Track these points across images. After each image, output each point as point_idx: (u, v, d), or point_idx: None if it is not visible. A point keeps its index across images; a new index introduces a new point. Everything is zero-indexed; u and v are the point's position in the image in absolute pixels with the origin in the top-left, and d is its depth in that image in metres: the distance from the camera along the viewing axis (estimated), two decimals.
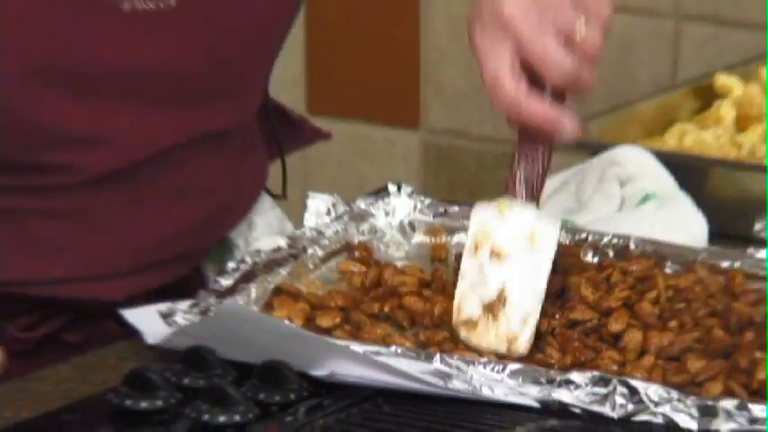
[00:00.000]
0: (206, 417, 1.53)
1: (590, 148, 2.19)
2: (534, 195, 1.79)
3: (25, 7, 1.84)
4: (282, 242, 1.88)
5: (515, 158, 1.79)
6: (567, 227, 1.89)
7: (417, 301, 1.78)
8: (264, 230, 2.10)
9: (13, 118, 1.87)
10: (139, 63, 1.91)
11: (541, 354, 1.69)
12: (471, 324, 1.73)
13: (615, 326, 1.70)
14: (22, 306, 1.93)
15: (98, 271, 1.93)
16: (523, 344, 1.69)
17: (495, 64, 1.78)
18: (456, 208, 1.97)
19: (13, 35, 1.84)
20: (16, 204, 1.92)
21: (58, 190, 1.92)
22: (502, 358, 1.67)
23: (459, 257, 1.83)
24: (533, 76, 1.77)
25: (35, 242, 1.94)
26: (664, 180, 2.05)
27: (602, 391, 1.53)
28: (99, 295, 1.92)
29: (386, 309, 1.78)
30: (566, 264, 1.80)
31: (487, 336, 1.72)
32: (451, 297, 1.76)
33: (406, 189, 1.98)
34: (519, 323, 1.72)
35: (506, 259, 1.74)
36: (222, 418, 1.53)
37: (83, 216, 1.94)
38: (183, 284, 1.92)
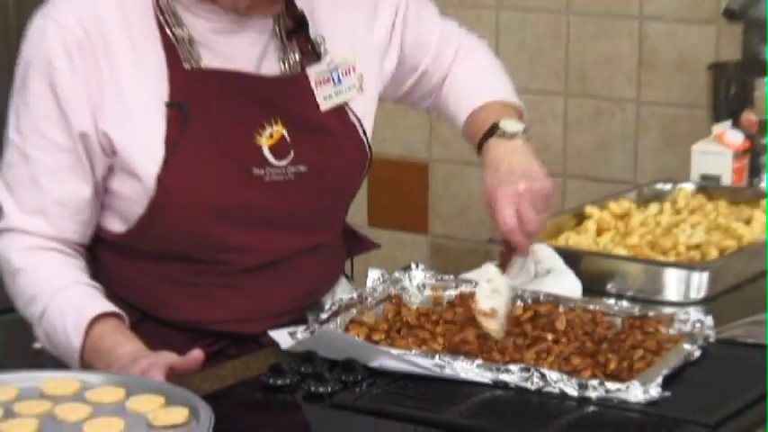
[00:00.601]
0: (312, 388, 1.83)
1: None
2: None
3: (214, 179, 2.03)
4: (354, 295, 2.13)
5: (504, 252, 2.16)
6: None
7: (422, 326, 2.02)
8: (343, 291, 2.23)
9: (202, 236, 2.06)
10: (271, 209, 2.08)
11: (492, 354, 1.93)
12: (485, 315, 1.98)
13: (532, 338, 1.98)
14: (205, 333, 2.11)
15: (247, 317, 2.11)
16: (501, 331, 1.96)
17: (508, 212, 2.09)
18: (449, 276, 2.21)
19: (207, 194, 2.03)
20: (203, 280, 2.10)
21: (225, 273, 2.10)
22: (481, 348, 1.93)
23: (453, 300, 2.13)
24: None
25: (214, 300, 2.11)
26: (558, 262, 2.25)
27: (525, 375, 1.83)
28: (248, 330, 2.10)
29: (402, 330, 2.02)
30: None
31: (493, 323, 1.97)
32: (444, 325, 2.03)
33: (421, 267, 2.20)
34: (500, 321, 1.98)
35: (499, 291, 2.00)
36: (321, 389, 1.82)
37: (239, 287, 2.10)
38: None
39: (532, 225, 2.09)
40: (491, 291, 1.99)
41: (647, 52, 3.23)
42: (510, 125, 2.19)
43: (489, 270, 2.04)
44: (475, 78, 2.33)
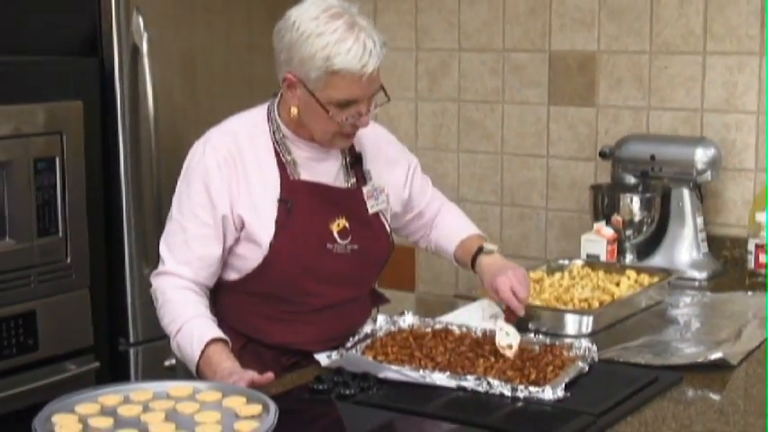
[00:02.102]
0: (341, 391, 1.81)
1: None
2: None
3: (304, 248, 2.01)
4: (368, 330, 2.09)
5: (506, 313, 2.14)
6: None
7: (414, 350, 1.97)
8: (368, 327, 2.13)
9: (292, 284, 2.03)
10: (336, 270, 2.04)
11: (457, 368, 1.88)
12: (504, 348, 1.94)
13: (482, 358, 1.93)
14: (287, 351, 2.06)
15: (315, 341, 2.04)
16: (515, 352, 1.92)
17: (505, 291, 2.11)
18: (429, 319, 2.14)
19: (298, 257, 2.01)
20: (287, 317, 2.06)
21: (303, 312, 2.06)
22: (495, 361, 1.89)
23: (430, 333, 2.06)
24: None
25: (294, 330, 2.06)
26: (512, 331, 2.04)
27: (478, 382, 1.81)
28: (315, 349, 2.01)
29: (396, 350, 1.97)
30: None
31: (510, 352, 1.93)
32: (424, 349, 1.97)
33: (410, 313, 2.16)
34: (514, 350, 1.94)
35: (509, 334, 1.97)
36: (347, 392, 1.80)
37: (311, 322, 2.06)
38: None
39: (522, 295, 2.12)
40: (505, 334, 1.96)
41: (552, 178, 3.19)
42: (490, 246, 2.22)
43: (499, 322, 2.04)
44: (458, 222, 2.33)
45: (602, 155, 2.93)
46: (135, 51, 2.73)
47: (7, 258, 2.49)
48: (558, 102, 3.11)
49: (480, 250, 2.21)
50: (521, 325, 2.12)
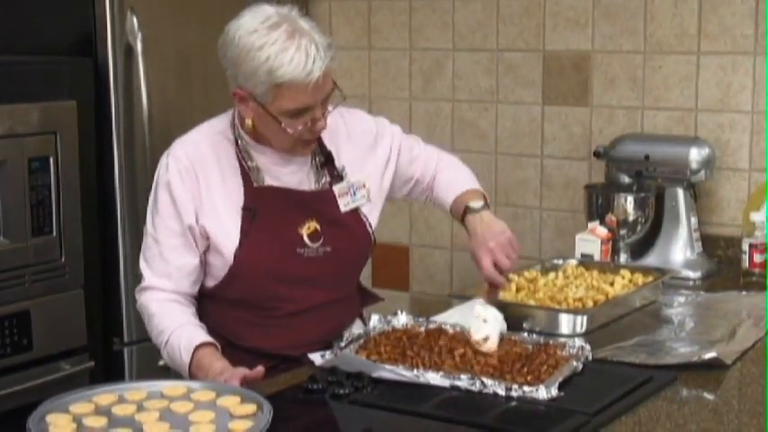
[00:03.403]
0: (336, 391, 1.79)
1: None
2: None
3: (271, 255, 1.99)
4: (361, 330, 2.08)
5: (488, 289, 2.12)
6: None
7: (406, 348, 1.94)
8: (357, 328, 2.14)
9: (262, 291, 2.02)
10: (307, 274, 2.04)
11: (447, 368, 1.86)
12: (480, 342, 1.90)
13: (477, 358, 1.90)
14: (264, 355, 2.02)
15: (292, 345, 2.03)
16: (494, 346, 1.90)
17: (486, 263, 2.09)
18: (422, 319, 2.11)
19: (265, 265, 1.99)
20: (263, 321, 2.05)
21: (278, 317, 2.05)
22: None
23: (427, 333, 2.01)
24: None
25: (271, 334, 2.05)
26: (493, 311, 2.02)
27: (471, 381, 1.79)
28: (292, 354, 2.01)
29: (389, 350, 1.94)
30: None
31: (486, 345, 1.90)
32: (417, 347, 1.92)
33: (404, 312, 2.13)
34: (493, 341, 1.91)
35: (488, 321, 1.94)
36: (341, 391, 1.78)
37: (287, 326, 2.05)
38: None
39: (504, 264, 2.08)
40: (481, 322, 1.91)
41: (546, 177, 3.18)
42: (475, 204, 2.17)
43: (476, 308, 1.95)
44: (452, 178, 2.28)
45: (597, 154, 2.92)
46: (129, 51, 2.74)
47: (1, 258, 2.50)
48: (553, 101, 3.11)
49: (466, 211, 2.17)
50: (515, 325, 2.10)
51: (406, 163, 2.23)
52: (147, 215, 2.04)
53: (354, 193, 2.08)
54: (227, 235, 1.98)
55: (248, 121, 1.96)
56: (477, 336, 1.90)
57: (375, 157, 2.16)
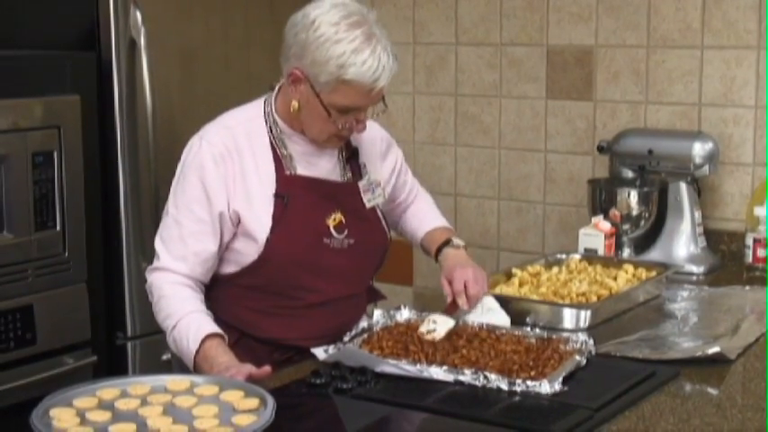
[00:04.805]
0: (339, 385, 1.80)
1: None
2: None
3: (300, 243, 2.02)
4: (365, 325, 2.08)
5: (449, 306, 2.11)
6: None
7: (408, 344, 1.96)
8: (363, 323, 2.11)
9: (287, 278, 2.03)
10: (332, 264, 2.05)
11: (452, 361, 1.87)
12: (424, 334, 1.96)
13: (477, 354, 1.92)
14: (279, 346, 2.06)
15: (308, 337, 2.03)
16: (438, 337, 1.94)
17: (458, 282, 2.11)
18: (425, 313, 2.10)
19: (295, 252, 2.01)
20: (280, 311, 2.06)
21: (296, 307, 2.06)
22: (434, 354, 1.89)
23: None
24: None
25: (287, 325, 2.06)
26: (496, 304, 2.16)
27: (475, 376, 1.80)
28: (309, 345, 2.00)
29: (392, 345, 1.96)
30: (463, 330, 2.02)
31: (429, 336, 1.95)
32: (422, 343, 1.96)
33: (407, 307, 2.16)
34: (438, 335, 1.95)
35: (437, 323, 1.99)
36: (344, 386, 1.79)
37: (304, 317, 2.06)
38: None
39: (473, 291, 2.12)
40: (431, 323, 1.99)
41: (550, 172, 3.18)
42: (458, 241, 2.24)
43: (435, 315, 2.04)
44: (426, 212, 2.34)
45: (600, 149, 2.93)
46: (132, 46, 2.73)
47: (5, 252, 2.49)
48: (556, 96, 3.11)
49: (448, 242, 2.22)
50: (517, 319, 2.12)
51: (401, 183, 2.29)
52: (170, 194, 2.04)
53: (374, 191, 2.12)
54: (259, 221, 1.99)
55: (294, 103, 1.97)
56: (421, 329, 1.97)
57: (385, 164, 2.21)
